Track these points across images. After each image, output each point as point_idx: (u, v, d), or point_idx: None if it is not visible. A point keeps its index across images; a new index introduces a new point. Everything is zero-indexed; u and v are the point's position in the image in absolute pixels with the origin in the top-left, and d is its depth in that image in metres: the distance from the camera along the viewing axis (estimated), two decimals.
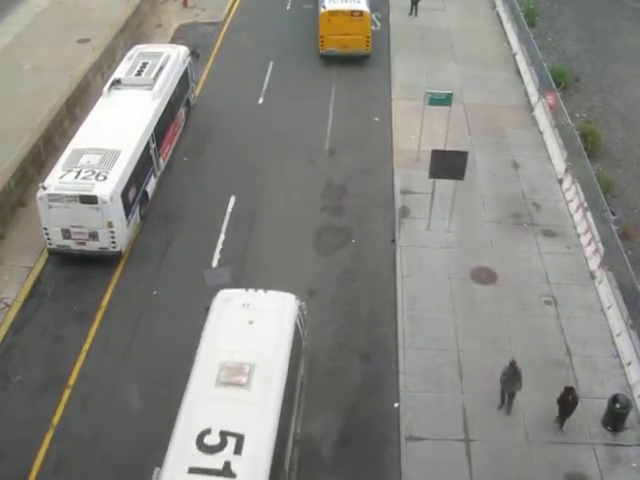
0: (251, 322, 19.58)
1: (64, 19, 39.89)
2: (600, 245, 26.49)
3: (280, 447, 17.61)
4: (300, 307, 21.05)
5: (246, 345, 19.05)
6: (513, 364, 21.02)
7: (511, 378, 21.04)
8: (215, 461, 16.36)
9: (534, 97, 36.37)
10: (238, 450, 16.56)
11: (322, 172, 31.44)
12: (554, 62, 40.09)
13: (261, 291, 20.89)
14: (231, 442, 16.65)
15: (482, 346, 23.66)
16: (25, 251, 26.95)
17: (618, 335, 23.85)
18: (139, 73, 30.92)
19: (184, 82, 33.61)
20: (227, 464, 16.30)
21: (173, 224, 28.54)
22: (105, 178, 25.43)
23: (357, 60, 39.61)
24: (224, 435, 16.75)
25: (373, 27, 42.09)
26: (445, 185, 27.27)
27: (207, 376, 18.23)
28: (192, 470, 16.22)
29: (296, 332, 20.10)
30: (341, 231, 28.05)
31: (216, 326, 19.81)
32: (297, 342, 20.11)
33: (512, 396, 21.39)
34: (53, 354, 23.38)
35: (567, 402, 20.59)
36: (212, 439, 16.70)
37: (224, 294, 21.00)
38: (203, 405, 17.76)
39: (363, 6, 38.02)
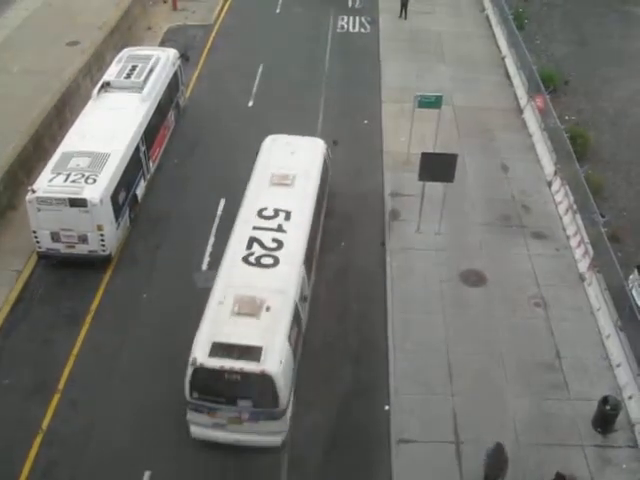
0: (292, 152, 27.25)
1: (53, 22, 39.71)
2: (589, 247, 26.57)
3: (314, 224, 24.75)
4: (327, 148, 28.49)
5: (290, 164, 26.36)
6: (500, 448, 19.49)
7: (497, 463, 19.35)
8: (271, 224, 23.51)
9: (523, 100, 36.47)
10: (287, 218, 23.74)
11: None
12: (543, 65, 40.19)
13: (299, 136, 28.74)
14: (282, 214, 23.85)
15: (472, 348, 23.69)
16: (14, 254, 26.83)
17: (607, 337, 23.92)
18: (128, 76, 30.84)
19: (174, 85, 33.57)
20: (280, 225, 23.43)
21: (163, 227, 28.49)
22: (94, 181, 25.36)
23: (347, 63, 39.63)
24: (277, 210, 23.99)
25: (363, 30, 42.20)
26: (435, 188, 27.31)
27: (263, 180, 25.63)
28: (255, 227, 23.33)
29: (324, 161, 27.62)
30: (331, 233, 28.03)
31: (267, 154, 27.34)
32: (325, 166, 27.55)
33: None
34: (42, 358, 23.28)
35: None
36: (268, 212, 23.90)
37: (271, 137, 28.54)
38: (261, 194, 24.97)
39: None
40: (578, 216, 28.04)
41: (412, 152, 30.65)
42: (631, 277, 26.29)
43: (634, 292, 25.54)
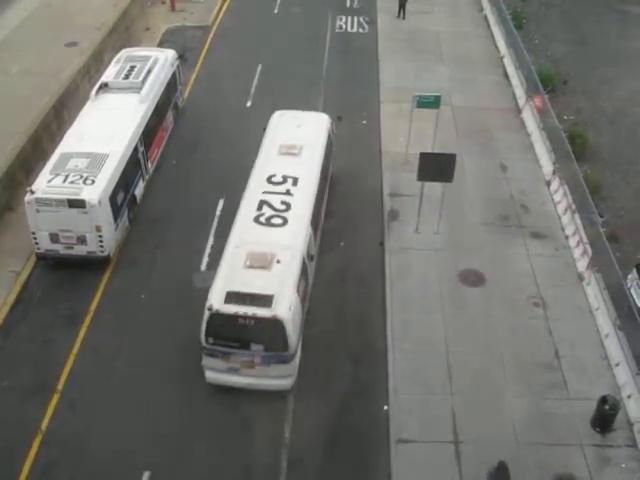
0: (299, 126, 28.75)
1: (52, 23, 39.72)
2: (588, 247, 26.59)
3: (319, 189, 26.29)
4: (331, 122, 29.95)
5: (297, 136, 27.92)
6: (504, 467, 19.77)
7: None
8: (280, 189, 24.99)
9: (522, 99, 36.48)
10: (294, 184, 25.23)
11: None
12: (542, 64, 40.19)
13: (304, 111, 30.53)
14: (290, 180, 25.34)
15: (471, 348, 23.70)
16: (13, 255, 26.82)
17: (606, 336, 23.93)
18: (127, 77, 30.84)
19: (172, 85, 33.57)
20: (288, 190, 24.94)
21: (162, 227, 28.48)
22: (93, 182, 25.36)
23: (345, 63, 39.65)
24: (285, 177, 25.46)
25: (361, 30, 42.20)
26: (434, 188, 27.32)
27: (271, 151, 27.18)
28: (265, 192, 24.80)
29: (328, 134, 29.07)
30: (330, 233, 28.02)
31: (274, 128, 28.80)
32: (329, 139, 29.04)
33: None
34: (42, 359, 23.28)
35: None
36: (277, 178, 25.40)
37: (279, 112, 30.03)
38: (270, 163, 26.40)
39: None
40: (577, 216, 28.05)
41: (411, 152, 30.66)
42: (630, 276, 26.31)
43: (633, 291, 25.57)
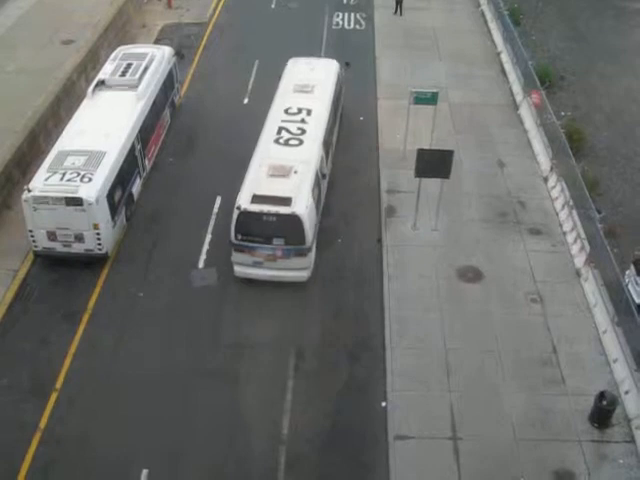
0: (312, 69, 32.39)
1: (48, 20, 39.65)
2: (586, 243, 26.60)
3: (330, 119, 29.88)
4: (340, 67, 33.67)
5: (309, 77, 31.52)
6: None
7: None
8: (296, 118, 28.63)
9: (519, 96, 36.46)
10: (308, 114, 28.93)
11: None
12: (539, 61, 40.18)
13: (316, 58, 34.89)
14: (304, 111, 28.96)
15: (469, 344, 23.71)
16: (10, 254, 26.81)
17: (604, 332, 23.95)
18: (123, 74, 30.80)
19: (169, 83, 33.54)
20: (303, 119, 28.51)
21: (159, 225, 28.47)
22: (90, 180, 25.34)
23: (342, 59, 39.53)
24: (300, 109, 29.08)
25: (358, 26, 42.17)
26: (431, 184, 27.34)
27: (287, 89, 30.79)
28: (283, 120, 28.42)
29: (337, 77, 32.70)
30: (327, 230, 28.04)
31: (290, 72, 32.45)
32: (338, 80, 32.61)
33: None
34: (39, 357, 23.28)
35: None
36: (293, 110, 29.01)
37: (293, 59, 33.80)
38: (286, 99, 29.99)
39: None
40: (574, 212, 28.04)
41: (408, 148, 30.68)
42: (627, 272, 26.30)
43: (630, 287, 25.57)
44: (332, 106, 30.45)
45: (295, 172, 25.66)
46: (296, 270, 25.31)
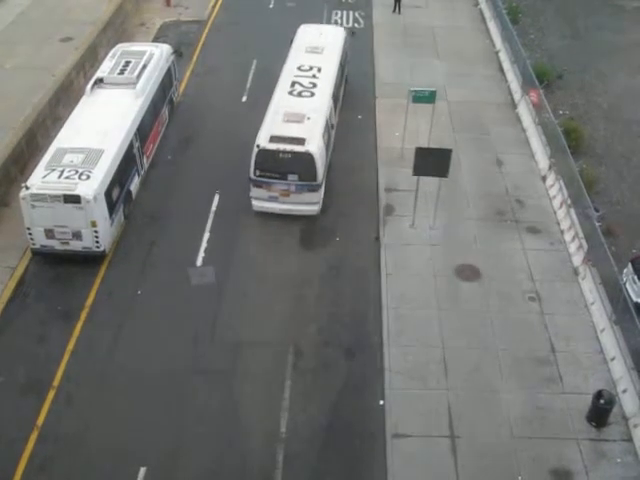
0: (320, 34, 35.43)
1: (46, 18, 39.67)
2: (584, 241, 26.60)
3: (338, 76, 32.77)
4: (346, 33, 36.75)
5: (319, 41, 34.56)
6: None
7: None
8: (307, 74, 31.55)
9: (517, 94, 36.47)
10: (319, 71, 31.79)
11: None
12: (537, 59, 40.20)
13: (325, 25, 39.63)
14: (315, 68, 32.00)
15: (467, 343, 23.74)
16: (8, 251, 26.79)
17: (602, 331, 23.97)
18: (122, 72, 30.76)
19: (167, 80, 33.50)
20: (313, 75, 31.45)
21: (157, 223, 28.46)
22: (88, 177, 25.32)
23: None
24: (311, 66, 32.13)
25: (356, 25, 42.16)
26: (429, 182, 27.33)
27: (299, 51, 33.78)
28: (296, 76, 31.36)
29: (344, 41, 35.58)
30: (325, 229, 28.05)
31: (301, 37, 35.20)
32: (345, 45, 35.43)
33: None
34: (37, 355, 23.27)
35: None
36: (304, 67, 32.06)
37: (304, 25, 36.68)
38: (298, 58, 33.04)
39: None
40: (572, 210, 28.06)
41: (406, 147, 30.68)
42: (625, 271, 26.35)
43: (628, 286, 25.61)
44: (339, 66, 33.36)
45: (308, 118, 28.58)
46: (307, 204, 28.26)
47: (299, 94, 30.23)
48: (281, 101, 29.92)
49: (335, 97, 31.80)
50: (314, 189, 27.78)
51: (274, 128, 28.04)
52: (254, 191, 28.08)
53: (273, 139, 27.37)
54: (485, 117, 35.12)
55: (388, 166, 31.36)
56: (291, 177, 27.49)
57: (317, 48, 33.65)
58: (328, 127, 29.53)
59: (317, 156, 27.28)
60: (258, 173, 27.50)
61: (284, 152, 27.08)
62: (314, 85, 30.77)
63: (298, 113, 28.80)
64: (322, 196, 28.46)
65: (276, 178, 27.51)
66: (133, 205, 28.88)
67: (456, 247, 27.40)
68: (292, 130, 27.81)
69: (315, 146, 27.40)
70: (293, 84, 30.80)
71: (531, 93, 34.79)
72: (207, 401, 21.99)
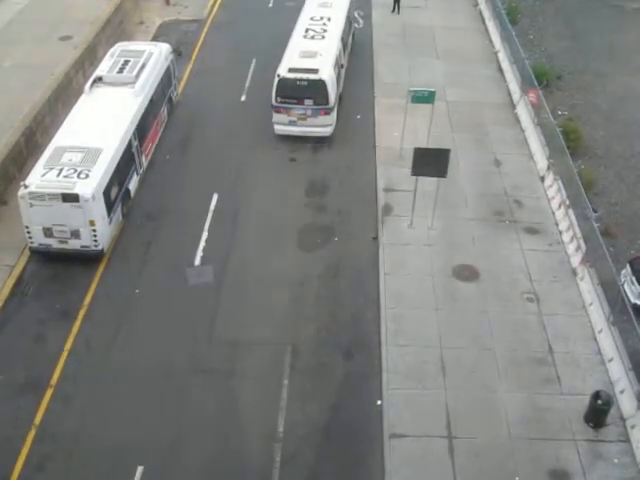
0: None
1: (45, 16, 39.64)
2: (582, 242, 26.61)
3: (346, 25, 37.69)
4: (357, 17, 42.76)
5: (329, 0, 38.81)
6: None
7: None
8: (319, 22, 36.25)
9: (516, 94, 36.47)
10: (329, 20, 36.49)
11: (305, 169, 31.48)
12: (536, 59, 40.26)
13: None
14: (325, 18, 36.57)
15: (465, 343, 23.73)
16: (6, 250, 26.77)
17: (600, 332, 23.98)
18: (121, 71, 30.75)
19: (166, 79, 33.51)
20: (324, 22, 36.36)
21: (155, 222, 28.45)
22: (87, 176, 25.31)
23: None
24: (322, 16, 36.84)
25: (356, 25, 42.18)
26: (428, 183, 27.32)
27: (312, 5, 38.34)
28: (309, 24, 36.07)
29: (350, 2, 39.82)
30: (324, 228, 28.07)
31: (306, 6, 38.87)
32: (351, 3, 39.84)
33: None
34: (35, 353, 23.26)
35: None
36: (316, 17, 36.74)
37: None
38: (311, 11, 37.76)
39: None
40: (571, 211, 28.06)
41: (405, 147, 30.68)
42: (623, 272, 26.37)
43: (626, 287, 25.63)
44: (346, 17, 38.04)
45: (320, 55, 33.14)
46: (322, 127, 32.60)
47: (312, 37, 34.95)
48: (297, 43, 34.56)
49: (344, 42, 36.48)
50: (327, 112, 32.13)
51: (292, 62, 32.60)
52: (275, 117, 32.48)
53: (291, 70, 31.88)
54: (484, 117, 35.13)
55: (387, 166, 31.37)
56: (307, 102, 31.87)
57: (327, 3, 38.26)
58: (338, 63, 34.13)
59: (329, 83, 31.75)
60: (279, 100, 31.95)
61: (301, 80, 31.60)
62: (325, 30, 35.48)
63: (312, 51, 33.42)
64: (334, 120, 32.72)
65: (294, 103, 31.88)
66: (132, 204, 28.87)
67: (454, 247, 27.41)
68: (307, 63, 32.42)
69: (327, 75, 31.91)
70: (307, 30, 35.49)
71: (530, 93, 34.81)
72: (205, 400, 21.99)
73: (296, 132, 32.69)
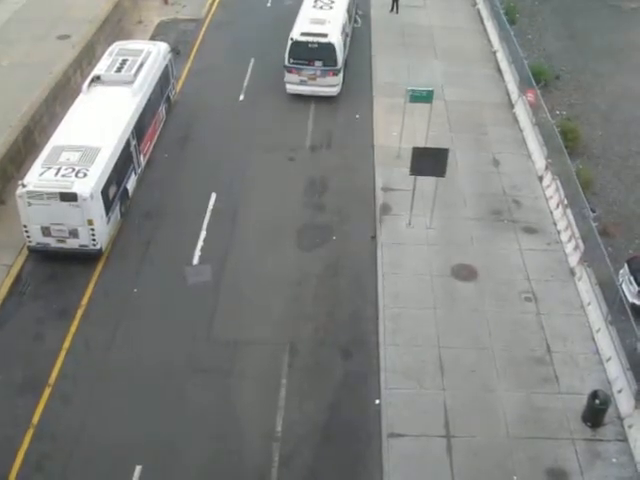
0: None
1: (43, 15, 39.57)
2: (580, 242, 26.64)
3: (349, 6, 39.90)
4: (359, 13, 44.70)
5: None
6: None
7: None
8: (325, 2, 38.82)
9: (514, 94, 36.49)
10: (332, 9, 38.26)
11: (303, 169, 31.46)
12: (534, 59, 40.25)
13: None
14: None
15: (463, 342, 23.75)
16: (4, 249, 26.74)
17: (598, 331, 24.00)
18: (119, 70, 30.72)
19: (164, 79, 33.48)
20: (330, 3, 38.75)
21: (154, 221, 28.44)
22: (85, 175, 25.29)
23: None
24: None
25: (354, 24, 42.18)
26: (426, 182, 27.33)
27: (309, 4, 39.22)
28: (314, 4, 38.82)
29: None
30: (322, 228, 28.08)
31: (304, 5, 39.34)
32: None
33: None
34: (33, 353, 23.23)
35: None
36: (318, 20, 36.91)
37: None
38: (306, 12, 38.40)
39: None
40: (569, 211, 28.09)
41: (403, 146, 30.67)
42: (621, 271, 26.38)
43: (624, 286, 25.64)
44: (349, 1, 40.43)
45: (329, 22, 36.26)
46: (330, 87, 35.56)
47: (321, 7, 38.00)
48: (307, 12, 37.67)
49: (349, 13, 39.77)
50: (335, 73, 35.18)
51: (303, 27, 35.70)
52: (287, 76, 35.49)
53: (303, 34, 34.98)
54: (482, 117, 35.15)
55: (385, 165, 31.37)
56: (317, 63, 34.94)
57: None
58: (344, 31, 37.29)
59: (337, 46, 34.89)
60: (291, 61, 35.00)
61: (312, 43, 34.75)
62: (332, 1, 38.51)
63: (321, 18, 36.57)
64: (340, 81, 35.68)
65: (305, 64, 34.89)
66: (130, 203, 28.86)
67: (453, 247, 27.42)
68: (317, 28, 35.51)
69: (335, 38, 35.06)
70: (316, 2, 38.52)
71: (528, 93, 34.83)
72: (203, 400, 21.97)
73: (307, 92, 35.56)
